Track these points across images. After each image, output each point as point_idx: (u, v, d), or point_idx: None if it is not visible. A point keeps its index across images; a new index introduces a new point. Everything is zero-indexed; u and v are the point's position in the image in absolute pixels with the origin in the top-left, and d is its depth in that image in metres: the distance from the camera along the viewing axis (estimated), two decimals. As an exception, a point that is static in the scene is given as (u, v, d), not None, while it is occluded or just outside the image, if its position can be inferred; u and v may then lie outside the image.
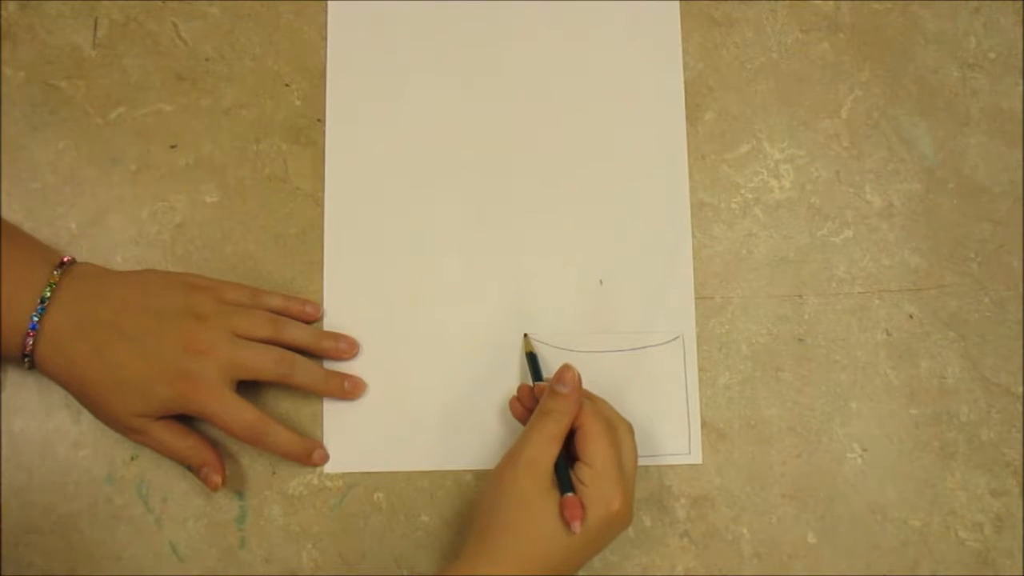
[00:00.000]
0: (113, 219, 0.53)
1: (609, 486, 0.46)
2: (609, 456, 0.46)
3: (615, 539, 0.48)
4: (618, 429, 0.48)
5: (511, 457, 0.47)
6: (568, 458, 0.47)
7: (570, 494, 0.45)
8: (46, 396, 0.51)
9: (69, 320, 0.47)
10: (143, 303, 0.48)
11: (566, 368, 0.47)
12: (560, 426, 0.47)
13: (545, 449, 0.46)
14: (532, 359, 0.52)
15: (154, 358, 0.47)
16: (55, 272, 0.48)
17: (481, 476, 0.52)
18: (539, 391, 0.50)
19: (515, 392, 0.52)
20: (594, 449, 0.46)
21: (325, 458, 0.52)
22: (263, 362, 0.49)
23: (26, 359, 0.47)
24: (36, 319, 0.46)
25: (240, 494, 0.51)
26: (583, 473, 0.46)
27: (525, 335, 0.53)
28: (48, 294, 0.47)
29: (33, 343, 0.47)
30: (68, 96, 0.54)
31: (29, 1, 0.55)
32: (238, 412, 0.48)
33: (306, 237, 0.54)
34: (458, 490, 0.52)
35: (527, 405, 0.51)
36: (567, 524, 0.44)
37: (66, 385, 0.48)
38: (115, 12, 0.55)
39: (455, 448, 0.53)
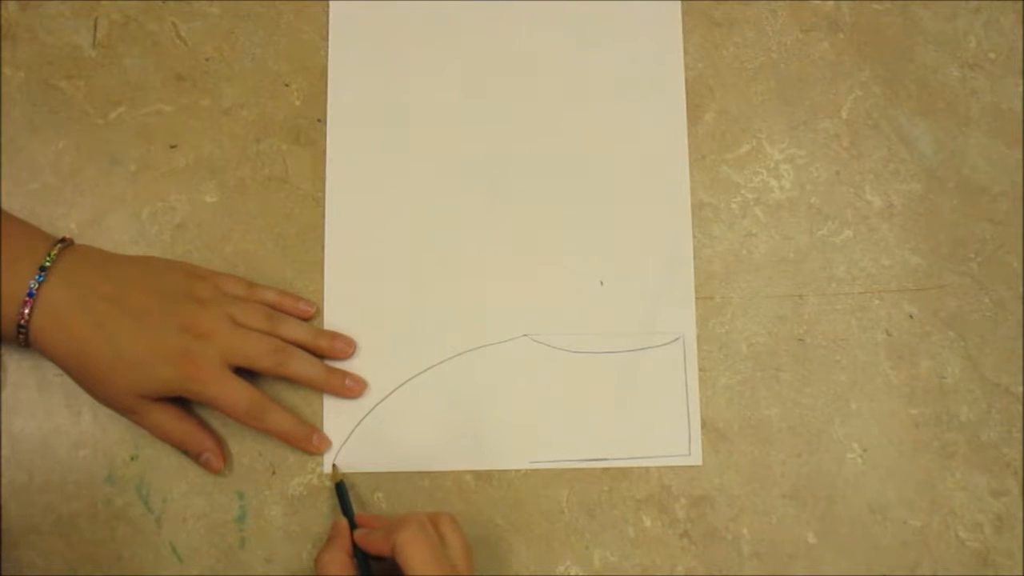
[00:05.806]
0: (113, 219, 0.53)
1: None
2: (426, 556, 0.44)
3: None
4: (439, 524, 0.47)
5: None
6: None
7: None
8: (46, 396, 0.51)
9: (70, 293, 0.46)
10: (145, 282, 0.48)
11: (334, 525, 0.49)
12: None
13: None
14: (340, 489, 0.50)
15: (156, 336, 0.47)
16: (56, 246, 0.47)
17: (481, 476, 0.52)
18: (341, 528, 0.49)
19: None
20: (411, 552, 0.44)
21: (325, 443, 0.51)
22: (260, 350, 0.49)
23: (21, 332, 0.46)
24: (34, 287, 0.45)
25: (240, 494, 0.51)
26: None
27: (334, 465, 0.52)
28: (48, 263, 0.46)
29: (30, 313, 0.45)
30: (68, 96, 0.54)
31: (29, 1, 0.55)
32: (238, 392, 0.48)
33: (306, 237, 0.54)
34: (458, 490, 0.52)
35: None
36: None
37: (63, 361, 0.47)
38: (115, 12, 0.55)
39: (455, 448, 0.53)
